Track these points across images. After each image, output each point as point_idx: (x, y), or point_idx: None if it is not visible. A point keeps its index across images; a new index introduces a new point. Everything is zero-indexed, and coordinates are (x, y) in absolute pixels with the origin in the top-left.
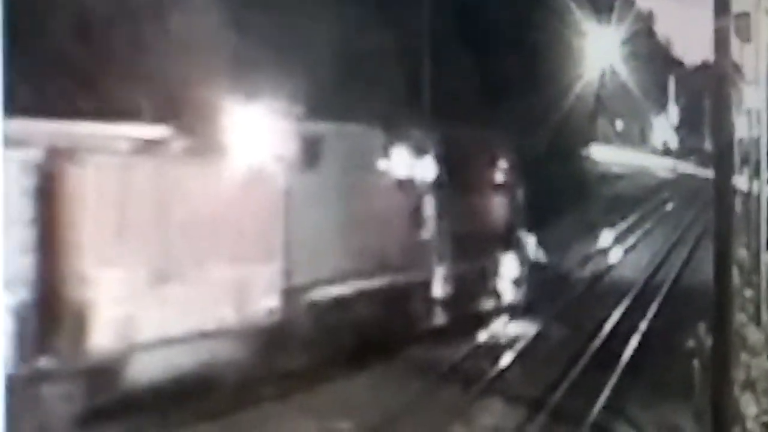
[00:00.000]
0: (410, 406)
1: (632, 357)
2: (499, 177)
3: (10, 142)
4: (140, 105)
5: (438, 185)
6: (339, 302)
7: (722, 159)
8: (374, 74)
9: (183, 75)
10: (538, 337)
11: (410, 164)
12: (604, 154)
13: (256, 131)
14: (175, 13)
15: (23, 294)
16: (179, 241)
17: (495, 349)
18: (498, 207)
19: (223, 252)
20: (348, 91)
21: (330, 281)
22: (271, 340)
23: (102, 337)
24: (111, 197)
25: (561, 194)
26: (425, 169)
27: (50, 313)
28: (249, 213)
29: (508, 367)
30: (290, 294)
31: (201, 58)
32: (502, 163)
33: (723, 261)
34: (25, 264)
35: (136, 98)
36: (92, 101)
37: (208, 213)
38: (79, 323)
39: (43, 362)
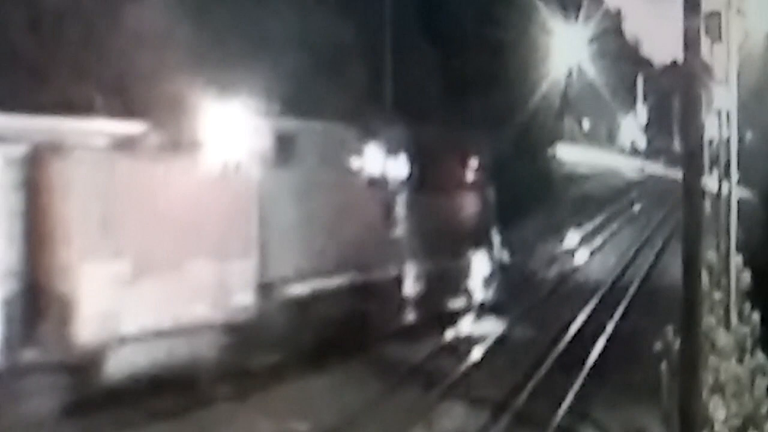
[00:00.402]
0: (371, 407)
1: (598, 359)
2: (470, 176)
3: None
4: (116, 101)
5: (409, 183)
6: (310, 299)
7: (691, 160)
8: (340, 71)
9: (158, 72)
10: (502, 338)
11: (382, 162)
12: (570, 154)
13: (230, 128)
14: (148, 11)
15: (9, 286)
16: (157, 235)
17: (459, 350)
18: (469, 205)
19: (199, 247)
20: (316, 89)
21: (302, 278)
22: (244, 337)
23: (83, 331)
24: (92, 192)
25: (526, 194)
26: (397, 167)
27: (35, 305)
28: (224, 208)
29: (472, 369)
30: (264, 290)
31: (174, 55)
32: (473, 162)
33: (692, 263)
34: (11, 256)
35: (112, 94)
36: (68, 97)
37: (185, 208)
38: (63, 316)
39: (28, 354)
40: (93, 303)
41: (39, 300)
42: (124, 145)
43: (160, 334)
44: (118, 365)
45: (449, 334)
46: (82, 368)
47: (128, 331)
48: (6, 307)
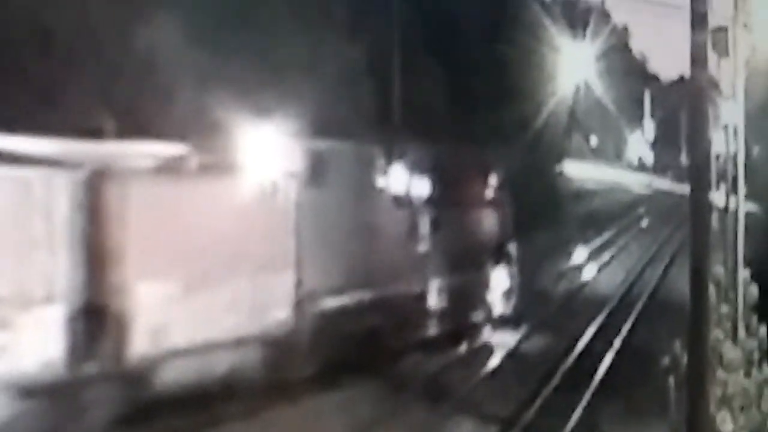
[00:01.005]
0: (382, 424)
1: (607, 374)
2: (489, 192)
3: (58, 162)
4: (156, 125)
5: (431, 201)
6: (338, 314)
7: (699, 175)
8: (353, 94)
9: (196, 96)
10: (511, 353)
11: (405, 181)
12: (578, 170)
13: (265, 149)
14: (186, 45)
15: (72, 303)
16: (201, 253)
17: (471, 364)
18: (489, 221)
19: (240, 264)
20: (331, 111)
21: (331, 293)
22: (279, 352)
23: (137, 346)
24: (142, 213)
25: (534, 210)
26: (419, 185)
27: (95, 321)
28: (263, 226)
29: (481, 384)
30: (299, 306)
31: (211, 82)
32: (492, 179)
33: (699, 277)
34: (74, 276)
35: (153, 118)
36: (116, 121)
37: (227, 227)
38: (119, 332)
39: (88, 367)
40: (146, 320)
41: (98, 316)
42: (169, 167)
43: (203, 349)
44: (162, 379)
45: (462, 349)
46: (133, 382)
47: (175, 347)
48: (69, 323)
